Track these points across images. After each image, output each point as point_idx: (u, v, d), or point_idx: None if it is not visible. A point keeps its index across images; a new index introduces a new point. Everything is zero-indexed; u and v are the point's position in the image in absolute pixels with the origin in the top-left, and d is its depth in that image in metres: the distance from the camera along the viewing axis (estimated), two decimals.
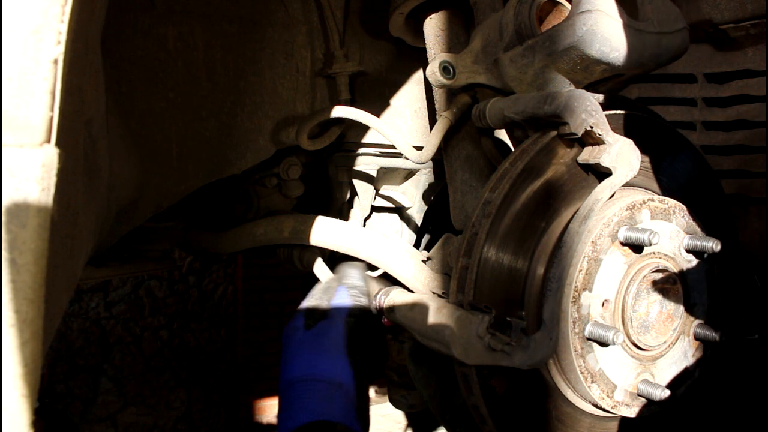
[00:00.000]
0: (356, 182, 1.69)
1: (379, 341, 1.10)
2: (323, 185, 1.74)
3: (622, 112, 1.05)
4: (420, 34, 1.34)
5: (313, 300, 1.09)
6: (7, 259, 0.50)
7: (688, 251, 1.04)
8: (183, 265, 4.65)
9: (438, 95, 1.29)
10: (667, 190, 1.10)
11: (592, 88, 1.10)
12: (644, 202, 1.00)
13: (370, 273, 1.19)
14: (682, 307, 1.05)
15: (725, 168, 1.42)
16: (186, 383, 4.73)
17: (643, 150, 1.00)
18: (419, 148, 1.27)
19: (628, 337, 0.99)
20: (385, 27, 1.40)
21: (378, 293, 1.11)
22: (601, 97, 1.04)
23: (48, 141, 0.53)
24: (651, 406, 1.03)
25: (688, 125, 1.48)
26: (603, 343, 0.96)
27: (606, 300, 0.97)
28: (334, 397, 0.92)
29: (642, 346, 1.00)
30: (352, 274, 1.08)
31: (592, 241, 0.95)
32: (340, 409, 0.91)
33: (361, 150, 1.62)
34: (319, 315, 1.06)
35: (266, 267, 4.62)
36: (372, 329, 1.08)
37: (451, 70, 1.14)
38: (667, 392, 0.99)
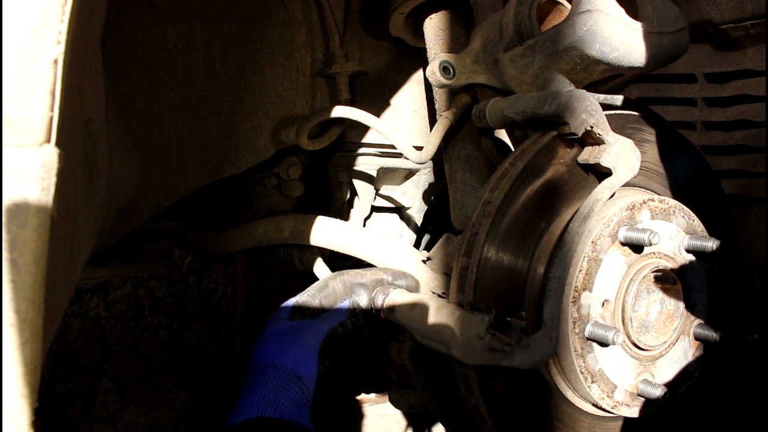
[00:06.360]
0: (356, 182, 1.69)
1: (366, 363, 1.08)
2: (323, 185, 1.74)
3: (621, 112, 1.05)
4: (420, 34, 1.34)
5: (305, 296, 1.07)
6: (7, 259, 0.50)
7: (688, 251, 1.03)
8: (183, 265, 4.65)
9: (438, 95, 1.29)
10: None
11: (592, 88, 1.10)
12: (644, 202, 1.00)
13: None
14: (682, 307, 1.05)
15: (725, 168, 1.42)
16: (186, 383, 4.73)
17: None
18: (419, 148, 1.27)
19: (628, 337, 0.99)
20: (385, 27, 1.40)
21: (377, 293, 1.11)
22: (601, 96, 1.04)
23: (48, 141, 0.53)
24: (651, 406, 1.03)
25: (688, 125, 1.48)
26: (603, 343, 0.95)
27: (606, 300, 0.97)
28: (288, 388, 0.91)
29: (642, 346, 1.00)
30: (362, 295, 1.07)
31: (592, 241, 0.95)
32: (291, 402, 0.90)
33: (361, 150, 1.62)
34: (307, 313, 1.05)
35: (266, 267, 4.61)
36: (358, 350, 1.06)
37: (451, 70, 1.14)
38: (666, 391, 0.99)
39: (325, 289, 1.08)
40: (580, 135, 0.95)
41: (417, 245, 1.62)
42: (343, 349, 1.00)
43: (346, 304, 1.06)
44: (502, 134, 1.23)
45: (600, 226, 0.95)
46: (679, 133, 1.14)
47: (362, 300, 1.06)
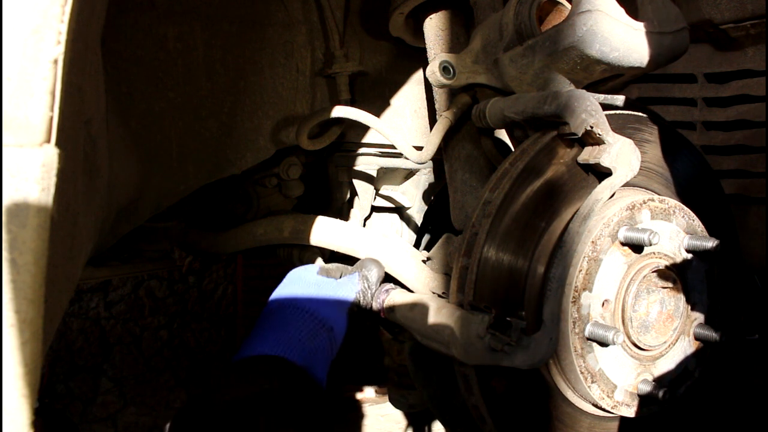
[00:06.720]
0: (356, 182, 1.69)
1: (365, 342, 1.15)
2: (323, 185, 1.74)
3: (621, 112, 1.05)
4: (420, 34, 1.34)
5: (328, 266, 1.15)
6: (7, 259, 0.50)
7: (688, 251, 1.03)
8: (183, 265, 4.65)
9: (438, 95, 1.29)
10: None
11: (592, 88, 1.10)
12: (644, 202, 1.00)
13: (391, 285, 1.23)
14: (682, 307, 1.05)
15: (725, 168, 1.42)
16: (186, 383, 4.72)
17: None
18: (419, 148, 1.27)
19: (628, 337, 0.99)
20: (385, 27, 1.40)
21: (378, 293, 1.12)
22: (601, 96, 1.04)
23: (48, 141, 0.53)
24: (651, 405, 1.03)
25: (688, 125, 1.48)
26: (603, 343, 0.95)
27: (606, 300, 0.97)
28: (318, 335, 0.92)
29: (642, 346, 1.00)
30: (371, 269, 1.12)
31: (592, 241, 0.95)
32: (318, 348, 0.91)
33: (361, 150, 1.62)
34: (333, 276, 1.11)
35: (266, 267, 4.62)
36: (364, 323, 1.11)
37: (451, 70, 1.14)
38: (666, 391, 0.99)
39: (348, 268, 1.15)
40: (580, 135, 0.95)
41: (417, 245, 1.62)
42: (359, 316, 1.06)
43: (356, 276, 1.12)
44: (502, 134, 1.23)
45: (600, 226, 0.95)
46: (679, 133, 1.14)
47: (372, 274, 1.11)
